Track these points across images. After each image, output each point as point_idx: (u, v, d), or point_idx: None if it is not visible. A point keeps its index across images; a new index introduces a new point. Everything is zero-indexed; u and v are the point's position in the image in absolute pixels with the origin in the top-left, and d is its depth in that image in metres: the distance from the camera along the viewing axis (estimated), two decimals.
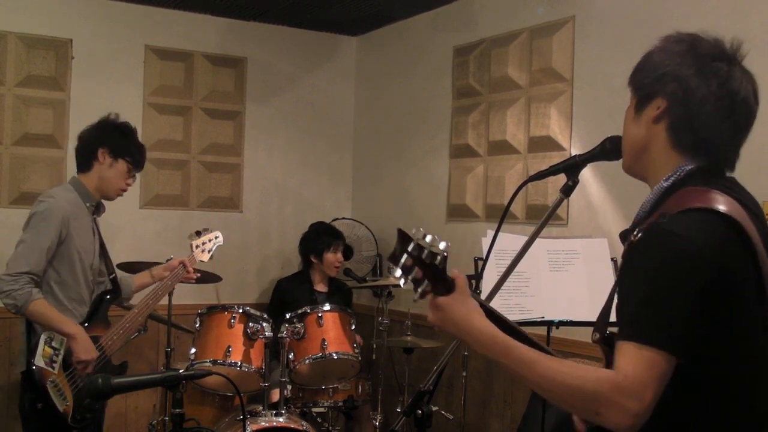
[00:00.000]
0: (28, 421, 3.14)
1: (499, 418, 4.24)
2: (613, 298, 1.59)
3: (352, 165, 5.69)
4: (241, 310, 3.79)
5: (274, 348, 3.87)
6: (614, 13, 3.70)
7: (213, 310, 3.84)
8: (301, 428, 3.57)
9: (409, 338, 4.15)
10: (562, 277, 3.15)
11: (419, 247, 1.41)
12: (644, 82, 1.59)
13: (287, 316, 3.88)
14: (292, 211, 5.43)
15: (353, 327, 4.01)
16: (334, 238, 4.76)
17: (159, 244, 4.81)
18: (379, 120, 5.43)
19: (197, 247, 3.71)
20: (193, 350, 3.74)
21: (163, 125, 4.97)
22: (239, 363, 3.67)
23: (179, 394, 2.25)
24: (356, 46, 5.68)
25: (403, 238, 1.43)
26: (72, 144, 3.55)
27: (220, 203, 5.18)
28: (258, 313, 3.84)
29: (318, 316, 3.87)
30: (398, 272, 1.44)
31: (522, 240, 2.00)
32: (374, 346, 4.63)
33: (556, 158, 3.73)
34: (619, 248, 1.59)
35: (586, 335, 3.51)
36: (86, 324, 3.22)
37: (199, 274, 3.70)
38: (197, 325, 3.81)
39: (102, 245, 3.40)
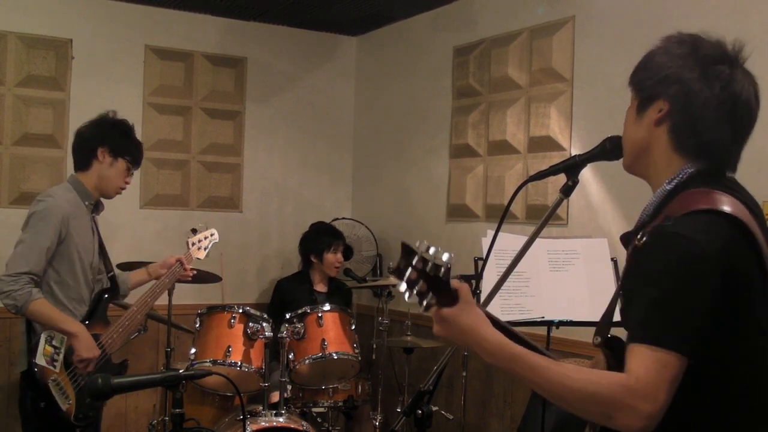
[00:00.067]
0: (28, 421, 3.14)
1: (499, 418, 4.24)
2: (615, 303, 1.59)
3: (352, 165, 5.69)
4: (241, 310, 3.79)
5: (274, 348, 3.87)
6: (614, 13, 3.70)
7: (213, 310, 3.84)
8: (301, 428, 3.57)
9: (409, 338, 4.15)
10: (562, 277, 3.15)
11: (423, 260, 1.40)
12: (646, 84, 1.59)
13: (287, 316, 3.88)
14: (292, 211, 5.43)
15: (353, 327, 4.01)
16: (334, 238, 4.76)
17: (159, 244, 4.81)
18: (379, 120, 5.43)
19: (193, 244, 3.71)
20: (193, 350, 3.74)
21: (163, 125, 4.97)
22: (239, 363, 3.67)
23: (179, 394, 2.25)
24: (356, 46, 5.68)
25: (407, 251, 1.43)
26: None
27: (220, 203, 5.18)
28: (258, 313, 3.84)
29: (318, 316, 3.87)
30: (403, 286, 1.43)
31: (522, 240, 2.00)
32: (374, 346, 4.63)
33: (556, 158, 3.73)
34: (620, 248, 1.59)
35: (586, 335, 3.51)
36: (87, 322, 3.22)
37: (195, 272, 3.69)
38: (197, 325, 3.81)
39: (101, 243, 3.39)
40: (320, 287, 4.78)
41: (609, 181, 3.64)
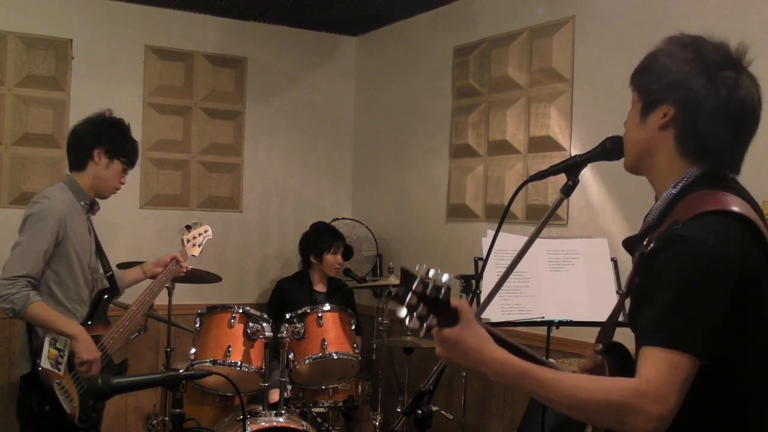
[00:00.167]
0: (27, 425, 3.12)
1: (499, 418, 4.24)
2: (618, 311, 1.59)
3: (352, 165, 5.69)
4: (241, 310, 3.79)
5: (274, 348, 3.87)
6: (614, 13, 3.70)
7: (213, 310, 3.84)
8: (301, 428, 3.57)
9: (409, 338, 4.15)
10: (562, 277, 3.15)
11: (423, 283, 1.39)
12: (652, 88, 1.58)
13: (287, 316, 3.88)
14: (292, 211, 5.43)
15: (353, 327, 4.01)
16: (334, 238, 4.76)
17: (159, 244, 4.81)
18: (379, 120, 5.43)
19: (188, 241, 3.71)
20: (193, 350, 3.74)
21: (163, 125, 4.97)
22: (239, 363, 3.67)
23: (179, 394, 2.26)
24: (356, 46, 5.68)
25: (407, 277, 1.42)
26: None
27: (220, 203, 5.18)
28: (258, 313, 3.84)
29: (318, 316, 3.87)
30: (403, 311, 1.41)
31: (522, 240, 2.00)
32: (374, 346, 4.63)
33: (556, 158, 3.73)
34: (620, 248, 1.59)
35: (586, 335, 3.51)
36: (89, 323, 3.21)
37: (189, 267, 3.69)
38: (197, 325, 3.81)
39: (97, 243, 3.38)
40: (320, 287, 4.78)
41: (609, 181, 3.64)
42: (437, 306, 1.42)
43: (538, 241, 2.00)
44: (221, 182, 5.18)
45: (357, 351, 3.91)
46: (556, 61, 3.96)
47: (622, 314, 1.60)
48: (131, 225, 4.86)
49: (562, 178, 1.89)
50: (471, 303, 1.97)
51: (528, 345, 1.63)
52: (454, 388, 4.49)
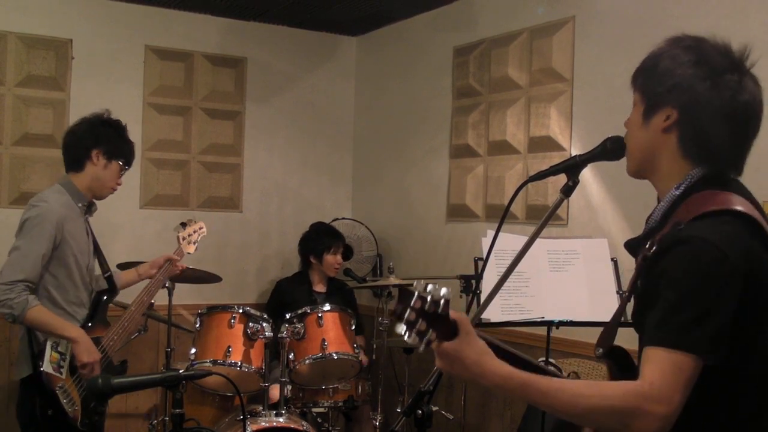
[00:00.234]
0: (28, 427, 3.11)
1: (499, 418, 4.24)
2: (620, 315, 1.59)
3: (352, 165, 5.69)
4: (241, 310, 3.79)
5: (274, 348, 3.87)
6: (614, 13, 3.70)
7: (213, 310, 3.84)
8: (301, 428, 3.57)
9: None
10: (562, 277, 3.15)
11: (421, 299, 1.40)
12: (655, 91, 1.58)
13: (287, 316, 3.88)
14: (292, 211, 5.43)
15: (353, 327, 4.01)
16: (333, 239, 4.75)
17: (159, 244, 4.80)
18: (379, 120, 5.43)
19: (184, 239, 3.71)
20: (193, 350, 3.74)
21: (163, 125, 4.97)
22: (239, 363, 3.67)
23: (179, 394, 2.26)
24: (356, 46, 5.68)
25: (404, 294, 1.43)
26: None
27: (220, 203, 5.18)
28: (258, 313, 3.84)
29: (318, 317, 3.87)
30: (402, 327, 1.41)
31: (522, 240, 2.00)
32: (374, 346, 4.63)
33: (556, 158, 3.73)
34: (620, 248, 1.59)
35: (586, 335, 3.51)
36: (89, 325, 3.21)
37: (185, 266, 3.68)
38: (197, 325, 3.81)
39: (95, 244, 3.37)
40: (319, 287, 4.78)
41: (609, 181, 3.64)
42: (436, 320, 1.41)
43: (538, 241, 2.00)
44: (221, 182, 5.18)
45: (357, 351, 3.90)
46: (556, 61, 3.96)
47: (623, 317, 1.60)
48: (131, 225, 4.86)
49: (562, 179, 1.89)
50: (471, 303, 1.97)
51: (528, 345, 1.64)
52: (454, 388, 4.49)
